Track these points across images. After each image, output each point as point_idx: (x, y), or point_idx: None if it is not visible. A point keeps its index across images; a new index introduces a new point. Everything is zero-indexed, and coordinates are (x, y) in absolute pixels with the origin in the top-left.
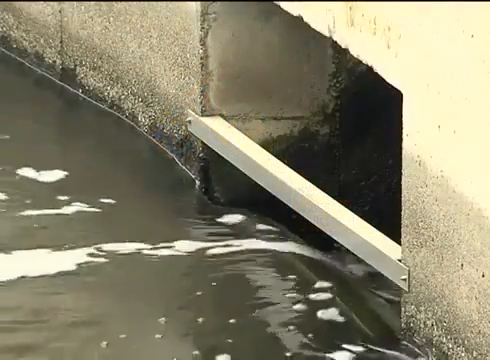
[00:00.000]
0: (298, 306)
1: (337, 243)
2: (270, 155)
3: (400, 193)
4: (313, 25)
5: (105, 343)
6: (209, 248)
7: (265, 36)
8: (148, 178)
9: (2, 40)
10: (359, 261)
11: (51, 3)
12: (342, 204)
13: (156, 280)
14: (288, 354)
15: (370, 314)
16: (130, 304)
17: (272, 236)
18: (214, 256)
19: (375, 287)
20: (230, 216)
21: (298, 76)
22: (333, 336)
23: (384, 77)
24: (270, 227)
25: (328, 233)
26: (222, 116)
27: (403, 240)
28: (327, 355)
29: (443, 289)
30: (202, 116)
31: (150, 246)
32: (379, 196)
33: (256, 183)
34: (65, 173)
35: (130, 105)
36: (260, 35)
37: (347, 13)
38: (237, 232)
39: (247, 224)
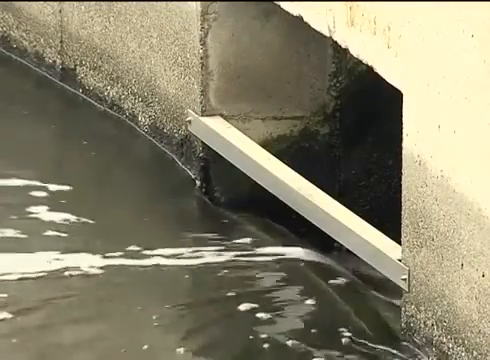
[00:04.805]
0: (299, 305)
1: (337, 243)
2: (270, 155)
3: (400, 193)
4: (313, 25)
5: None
6: (211, 254)
7: (265, 36)
8: (148, 178)
9: (2, 40)
10: (359, 261)
11: (51, 3)
12: (342, 204)
13: (158, 289)
14: (286, 353)
15: (370, 314)
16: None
17: (271, 237)
18: (216, 263)
19: (375, 287)
20: (230, 218)
21: (298, 76)
22: (333, 335)
23: (384, 77)
24: (270, 229)
25: (328, 233)
26: (222, 116)
27: (403, 240)
28: (327, 354)
29: (443, 289)
30: (202, 116)
31: (150, 252)
32: (379, 196)
33: (256, 183)
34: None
35: (130, 105)
36: (260, 35)
37: (347, 13)
38: (238, 236)
39: (248, 227)
